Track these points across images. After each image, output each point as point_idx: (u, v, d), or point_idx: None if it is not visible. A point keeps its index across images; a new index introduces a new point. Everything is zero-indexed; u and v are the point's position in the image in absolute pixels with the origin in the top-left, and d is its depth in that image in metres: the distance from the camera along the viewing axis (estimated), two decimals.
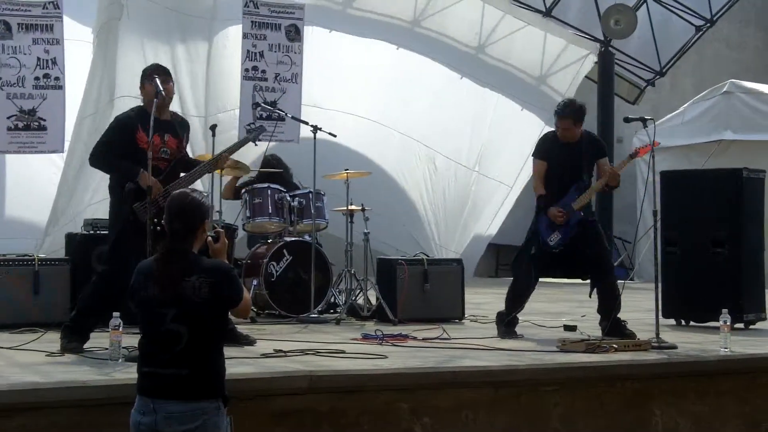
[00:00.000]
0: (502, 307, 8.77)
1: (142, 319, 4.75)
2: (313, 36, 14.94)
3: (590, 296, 8.55)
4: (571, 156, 8.55)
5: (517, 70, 18.21)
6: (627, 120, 8.63)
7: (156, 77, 7.31)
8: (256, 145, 8.57)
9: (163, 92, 7.21)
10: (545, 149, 8.67)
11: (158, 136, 7.24)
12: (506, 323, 8.61)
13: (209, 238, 4.97)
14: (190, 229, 4.75)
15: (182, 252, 4.70)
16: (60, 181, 13.47)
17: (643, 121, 8.39)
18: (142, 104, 7.51)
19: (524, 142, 16.94)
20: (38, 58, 12.22)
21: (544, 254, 8.51)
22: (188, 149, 8.02)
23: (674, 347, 7.83)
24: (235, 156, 9.04)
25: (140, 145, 7.18)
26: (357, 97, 16.38)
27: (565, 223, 8.41)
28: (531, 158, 8.81)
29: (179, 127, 7.58)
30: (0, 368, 6.25)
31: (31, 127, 12.25)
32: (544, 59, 18.33)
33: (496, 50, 18.00)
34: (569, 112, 8.59)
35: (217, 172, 9.72)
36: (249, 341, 7.58)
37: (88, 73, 13.47)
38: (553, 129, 8.89)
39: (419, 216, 17.29)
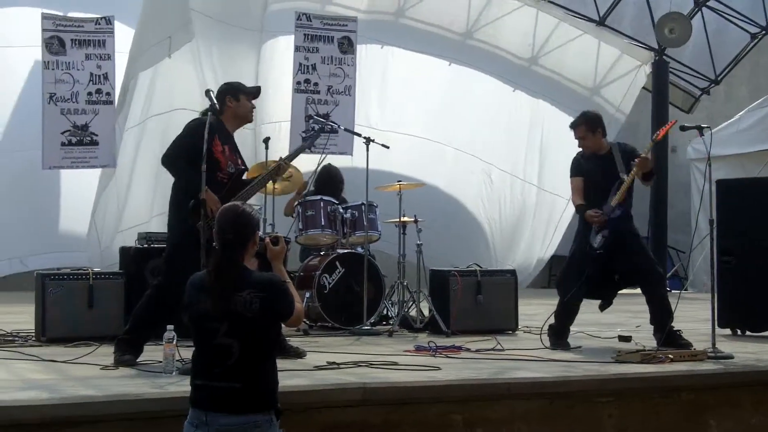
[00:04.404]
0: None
1: (194, 333, 4.77)
2: (366, 52, 14.98)
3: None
4: (603, 167, 8.54)
5: (570, 81, 18.18)
6: (683, 128, 8.55)
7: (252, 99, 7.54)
8: (310, 151, 8.59)
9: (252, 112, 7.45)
10: (577, 167, 8.71)
11: (229, 149, 7.30)
12: (557, 334, 8.56)
13: (267, 241, 4.98)
14: (242, 240, 4.76)
15: (233, 264, 4.71)
16: (95, 196, 13.62)
17: (700, 129, 8.34)
18: (214, 115, 7.30)
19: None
20: (91, 74, 12.38)
21: (597, 275, 8.43)
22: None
23: (731, 357, 7.74)
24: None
25: (215, 154, 7.18)
26: (411, 116, 16.46)
27: (604, 223, 8.36)
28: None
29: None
30: (55, 382, 6.31)
31: (84, 143, 12.42)
32: (597, 70, 18.27)
33: (549, 61, 17.97)
34: (580, 120, 8.72)
35: (269, 189, 9.79)
36: (298, 353, 7.58)
37: (130, 86, 13.56)
38: None
39: (477, 231, 17.31)
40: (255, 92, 7.74)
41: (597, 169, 8.56)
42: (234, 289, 4.64)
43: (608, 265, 8.45)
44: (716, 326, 8.19)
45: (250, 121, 7.67)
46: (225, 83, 7.82)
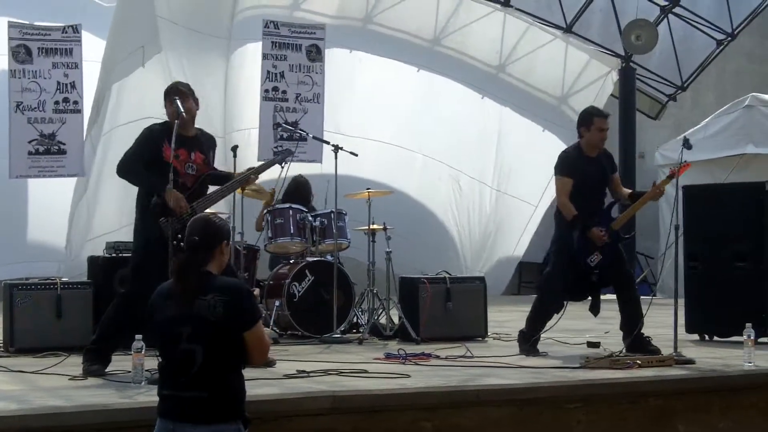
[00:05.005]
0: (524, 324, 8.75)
1: (159, 341, 4.77)
2: (334, 57, 14.97)
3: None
4: (595, 171, 8.49)
5: (539, 90, 18.26)
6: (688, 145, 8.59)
7: (176, 98, 7.34)
8: (282, 167, 8.57)
9: (183, 112, 7.25)
10: (570, 165, 8.48)
11: (185, 151, 7.29)
12: (527, 341, 8.57)
13: None
14: (208, 245, 4.76)
15: (197, 267, 4.70)
16: (71, 206, 13.54)
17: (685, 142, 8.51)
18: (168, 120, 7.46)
19: (547, 162, 16.94)
20: (58, 83, 12.32)
21: (580, 279, 8.43)
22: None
23: (692, 362, 7.80)
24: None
25: (165, 159, 7.16)
26: (379, 122, 16.46)
27: (605, 243, 8.34)
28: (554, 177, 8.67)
29: (206, 143, 7.59)
30: (23, 392, 6.28)
31: (51, 151, 12.35)
32: (565, 78, 18.36)
33: (517, 69, 18.05)
34: (604, 112, 8.62)
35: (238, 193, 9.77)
36: (268, 362, 7.55)
37: (105, 97, 13.51)
38: (570, 145, 8.85)
39: (446, 238, 17.34)
40: (170, 92, 7.48)
41: (591, 173, 8.46)
42: (198, 292, 4.64)
43: (592, 271, 8.46)
44: (684, 332, 8.26)
45: (183, 119, 7.32)
46: (173, 82, 7.76)
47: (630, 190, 8.77)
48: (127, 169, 7.39)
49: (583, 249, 8.33)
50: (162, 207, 7.08)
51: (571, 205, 8.34)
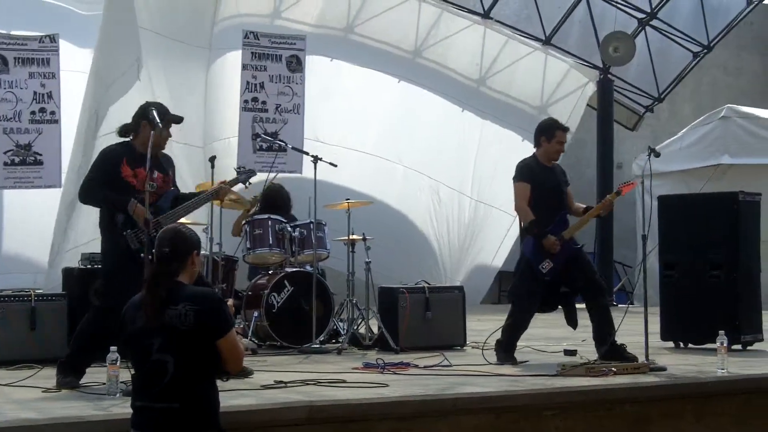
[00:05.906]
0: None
1: (131, 352, 4.77)
2: (314, 65, 14.96)
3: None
4: (552, 180, 8.61)
5: (518, 101, 18.30)
6: (655, 154, 8.66)
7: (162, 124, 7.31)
8: (246, 187, 8.57)
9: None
10: (529, 172, 8.58)
11: (143, 170, 7.22)
12: (505, 349, 8.60)
13: None
14: (178, 255, 4.78)
15: (167, 277, 4.71)
16: (57, 216, 13.47)
17: (653, 152, 8.57)
18: (128, 139, 7.40)
19: None
20: (34, 93, 12.28)
21: (543, 289, 8.48)
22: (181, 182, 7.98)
23: (663, 369, 7.85)
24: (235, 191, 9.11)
25: (125, 179, 7.15)
26: (359, 131, 16.46)
27: (557, 252, 8.41)
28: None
29: (164, 162, 7.50)
30: None
31: (27, 162, 12.30)
32: (544, 89, 18.43)
33: (497, 82, 18.11)
34: (565, 125, 8.79)
35: (218, 205, 9.74)
36: (246, 373, 7.54)
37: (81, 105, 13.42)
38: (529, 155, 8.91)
39: (426, 248, 17.33)
40: (177, 121, 7.54)
41: (549, 181, 8.56)
42: (168, 302, 4.64)
43: (555, 282, 8.51)
44: (660, 339, 8.27)
45: (163, 149, 7.44)
46: (146, 102, 7.61)
47: (585, 206, 8.85)
48: (87, 195, 7.36)
49: (536, 256, 8.41)
50: (127, 222, 7.08)
51: (529, 209, 8.46)
